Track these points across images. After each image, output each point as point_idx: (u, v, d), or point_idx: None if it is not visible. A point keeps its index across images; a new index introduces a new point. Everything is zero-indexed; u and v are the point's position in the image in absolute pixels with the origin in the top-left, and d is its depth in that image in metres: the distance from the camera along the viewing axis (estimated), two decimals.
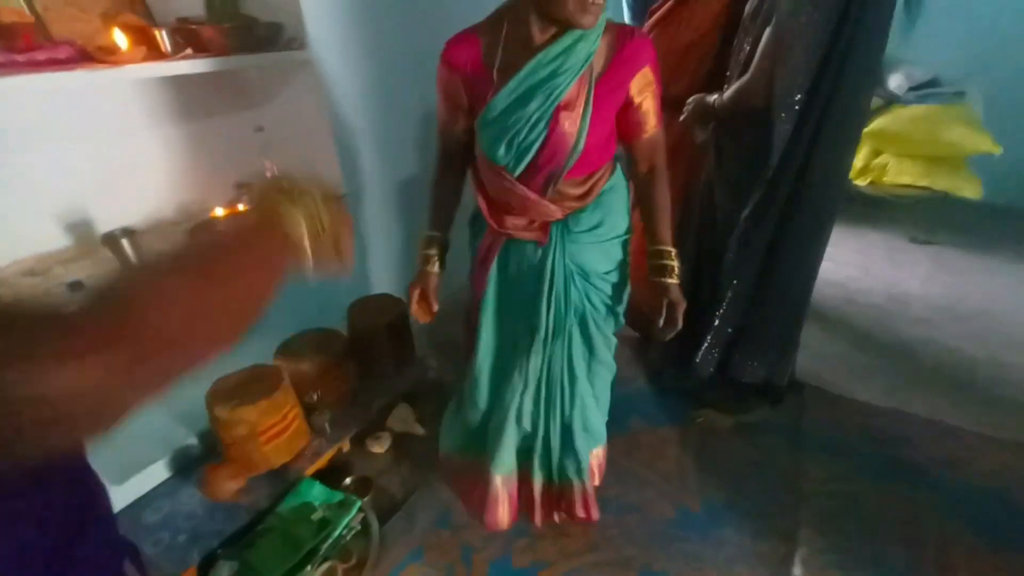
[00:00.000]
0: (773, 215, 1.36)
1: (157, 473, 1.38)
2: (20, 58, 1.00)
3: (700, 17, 1.52)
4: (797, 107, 1.22)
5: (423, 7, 1.91)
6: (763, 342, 1.54)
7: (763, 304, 1.49)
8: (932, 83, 2.72)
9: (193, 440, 1.47)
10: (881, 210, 2.92)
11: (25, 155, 1.20)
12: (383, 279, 2.00)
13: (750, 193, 1.36)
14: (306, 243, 0.48)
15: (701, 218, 1.53)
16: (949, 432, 1.62)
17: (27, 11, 1.10)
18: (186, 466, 1.41)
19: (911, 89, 2.63)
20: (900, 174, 2.69)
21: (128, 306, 0.33)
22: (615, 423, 1.68)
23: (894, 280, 2.47)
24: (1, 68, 0.96)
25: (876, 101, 2.56)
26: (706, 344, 1.56)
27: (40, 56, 1.03)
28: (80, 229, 1.31)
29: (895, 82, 2.60)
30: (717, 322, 1.53)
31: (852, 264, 2.63)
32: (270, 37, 1.38)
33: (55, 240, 1.28)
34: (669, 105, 1.45)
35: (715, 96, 1.36)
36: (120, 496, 1.30)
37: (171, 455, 1.41)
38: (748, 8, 1.29)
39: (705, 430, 1.66)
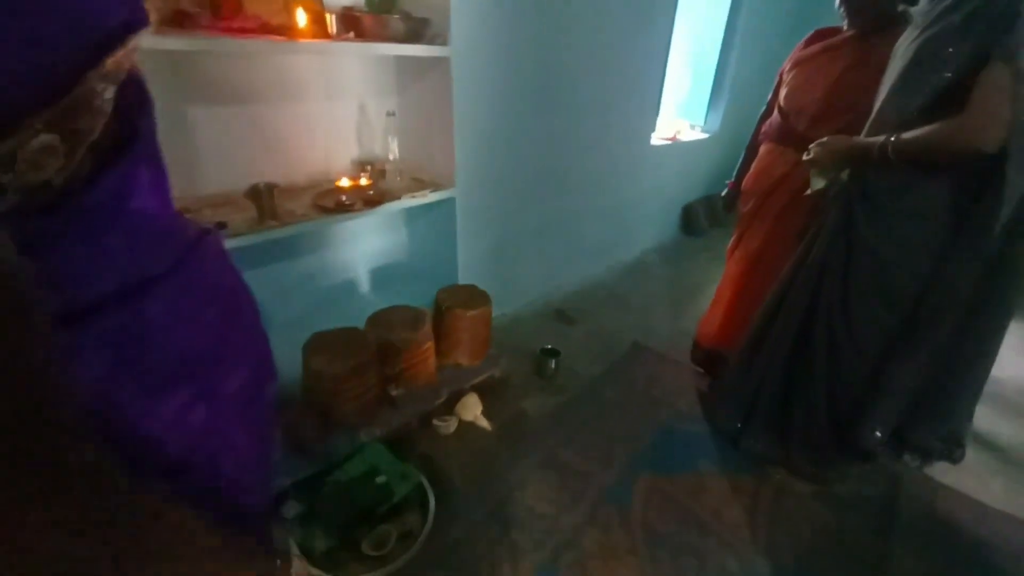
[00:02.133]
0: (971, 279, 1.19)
1: None
2: (221, 24, 1.17)
3: (881, 55, 1.27)
4: None
5: (557, 33, 1.99)
6: (941, 414, 1.40)
7: (949, 377, 1.32)
8: None
9: (282, 384, 1.59)
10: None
11: (203, 110, 1.38)
12: (472, 271, 2.07)
13: (946, 253, 1.18)
14: None
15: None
16: None
17: None
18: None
19: None
20: None
21: None
22: (684, 460, 1.62)
23: None
24: (207, 29, 1.13)
25: None
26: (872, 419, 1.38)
27: (235, 24, 1.20)
28: (230, 180, 1.48)
29: None
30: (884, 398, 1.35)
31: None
32: (418, 31, 1.50)
33: (209, 186, 1.45)
34: (803, 146, 1.38)
35: (881, 138, 1.16)
36: None
37: None
38: (930, 32, 1.09)
39: (781, 488, 1.54)
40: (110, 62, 0.34)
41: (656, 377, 2.05)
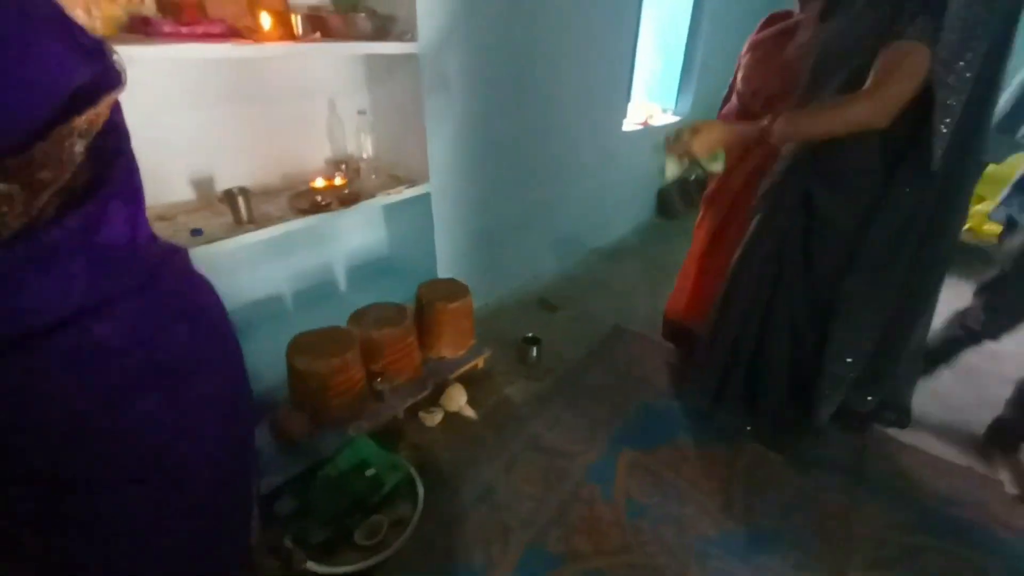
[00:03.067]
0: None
1: None
2: (184, 29, 1.17)
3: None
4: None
5: (526, 24, 2.01)
6: (887, 384, 1.47)
7: (892, 347, 1.38)
8: None
9: (269, 386, 1.62)
10: (978, 259, 2.71)
11: (172, 116, 1.38)
12: (453, 264, 2.10)
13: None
14: None
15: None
16: None
17: None
18: (261, 409, 1.55)
19: None
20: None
21: None
22: (662, 435, 1.69)
23: None
24: (170, 36, 1.13)
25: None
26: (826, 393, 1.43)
27: (199, 29, 1.20)
28: (203, 185, 1.48)
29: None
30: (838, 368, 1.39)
31: (945, 315, 2.46)
32: (386, 28, 1.51)
33: (182, 192, 1.45)
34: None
35: (762, 122, 1.19)
36: None
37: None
38: (843, 21, 1.16)
39: (755, 456, 1.62)
40: (81, 120, 0.37)
41: (636, 357, 2.11)
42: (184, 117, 1.40)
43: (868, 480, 1.55)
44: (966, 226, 2.62)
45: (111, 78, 0.39)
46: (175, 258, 0.54)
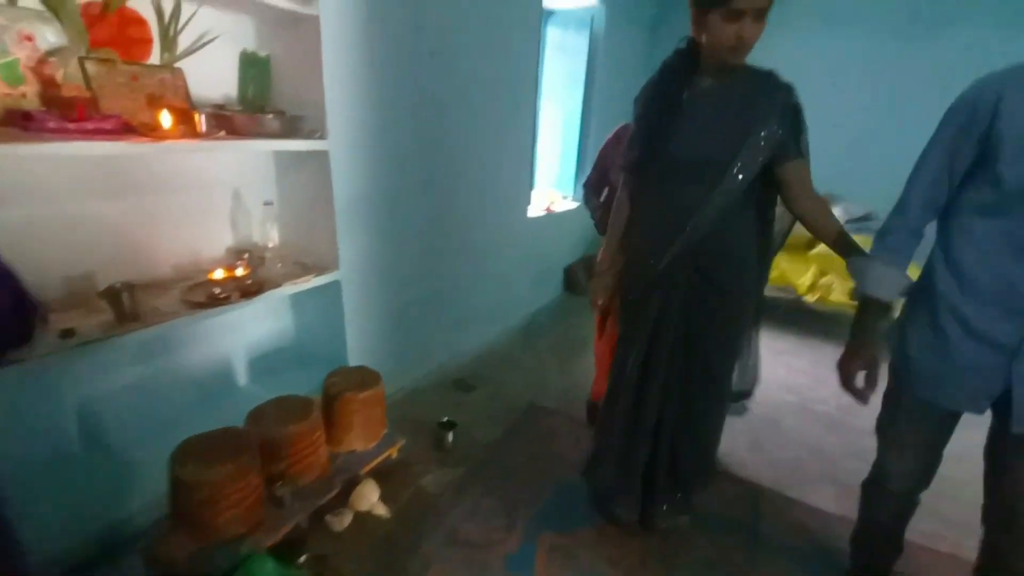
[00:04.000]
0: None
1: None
2: (72, 126, 1.12)
3: None
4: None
5: (433, 119, 2.17)
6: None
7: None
8: (866, 217, 3.13)
9: (145, 503, 1.42)
10: (830, 324, 3.17)
11: (45, 207, 1.28)
12: (360, 353, 2.05)
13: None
14: None
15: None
16: None
17: (85, 87, 1.23)
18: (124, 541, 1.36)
19: (848, 222, 3.00)
20: (843, 293, 2.98)
21: None
22: (580, 514, 1.70)
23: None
24: (55, 133, 1.08)
25: None
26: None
27: (89, 125, 1.16)
28: (80, 281, 1.35)
29: (836, 214, 2.98)
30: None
31: (806, 373, 2.81)
32: (294, 126, 1.55)
33: (58, 287, 1.32)
34: None
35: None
36: None
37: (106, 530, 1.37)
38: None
39: (665, 527, 1.67)
40: None
41: (552, 434, 2.15)
42: (60, 208, 1.31)
43: (765, 539, 1.66)
44: (816, 296, 3.08)
45: None
46: None
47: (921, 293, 1.10)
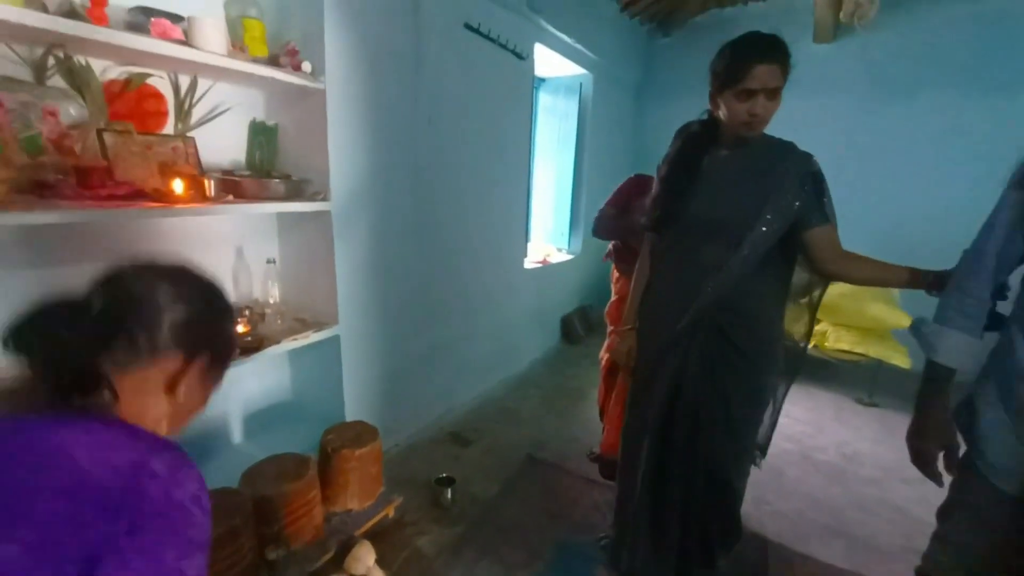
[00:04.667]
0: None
1: None
2: (87, 193, 1.19)
3: None
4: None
5: (431, 180, 2.28)
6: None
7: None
8: None
9: None
10: (827, 372, 3.18)
11: (34, 271, 1.32)
12: (357, 407, 2.04)
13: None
14: None
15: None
16: None
17: (101, 157, 1.31)
18: None
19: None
20: (838, 341, 3.01)
21: None
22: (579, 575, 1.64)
23: (845, 439, 2.61)
24: (73, 199, 1.14)
25: None
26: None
27: (103, 192, 1.22)
28: None
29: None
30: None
31: (806, 421, 2.79)
32: (298, 190, 1.62)
33: None
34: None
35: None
36: None
37: None
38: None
39: None
40: None
41: (551, 489, 2.10)
42: (48, 273, 1.33)
43: None
44: (811, 343, 3.10)
45: None
46: None
47: (996, 364, 0.95)
